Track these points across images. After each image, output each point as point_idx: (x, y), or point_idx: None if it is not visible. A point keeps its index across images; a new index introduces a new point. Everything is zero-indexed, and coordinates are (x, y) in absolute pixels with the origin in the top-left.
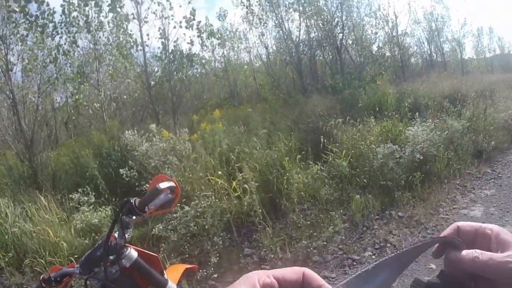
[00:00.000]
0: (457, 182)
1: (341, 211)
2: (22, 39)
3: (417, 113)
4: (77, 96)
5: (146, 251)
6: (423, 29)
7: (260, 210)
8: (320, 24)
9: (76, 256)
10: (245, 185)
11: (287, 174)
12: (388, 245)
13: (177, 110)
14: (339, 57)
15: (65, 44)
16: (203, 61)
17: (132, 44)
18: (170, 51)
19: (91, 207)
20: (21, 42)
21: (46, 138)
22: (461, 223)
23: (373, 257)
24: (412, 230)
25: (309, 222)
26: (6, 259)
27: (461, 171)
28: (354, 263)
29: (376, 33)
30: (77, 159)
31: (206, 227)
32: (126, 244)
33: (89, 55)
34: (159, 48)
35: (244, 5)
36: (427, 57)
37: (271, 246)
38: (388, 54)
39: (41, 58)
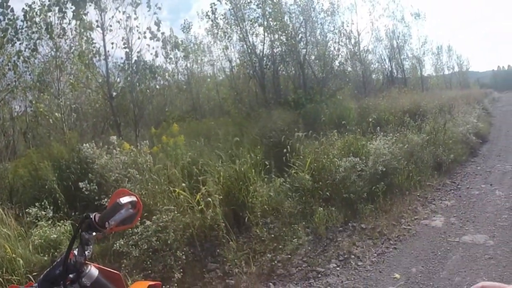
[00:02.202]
0: (418, 194)
1: (304, 223)
2: None
3: (378, 128)
4: (38, 105)
5: (108, 269)
6: (384, 46)
7: (224, 224)
8: (284, 39)
9: (34, 273)
10: (209, 198)
11: (251, 187)
12: (352, 256)
13: (138, 122)
14: (302, 72)
15: (25, 50)
16: (166, 73)
17: (94, 53)
18: (133, 61)
19: (50, 221)
20: None
21: (4, 149)
22: (486, 284)
23: (338, 268)
24: (375, 241)
25: (272, 235)
26: None
27: (421, 183)
28: (319, 275)
29: (338, 49)
30: (35, 171)
31: (169, 242)
32: (86, 262)
33: (50, 63)
34: (122, 58)
35: (209, 18)
36: (388, 73)
37: (235, 260)
38: (350, 69)
39: (0, 64)
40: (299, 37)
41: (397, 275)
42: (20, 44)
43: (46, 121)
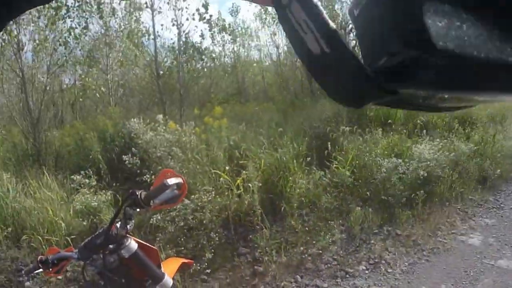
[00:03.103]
0: (458, 207)
1: (340, 221)
2: (34, 20)
3: (425, 131)
4: (86, 79)
5: (146, 244)
6: None
7: (260, 211)
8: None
9: (73, 236)
10: (249, 184)
11: (291, 177)
12: (383, 261)
13: (184, 102)
14: None
15: (76, 28)
16: (213, 55)
17: (143, 32)
18: (181, 42)
19: (92, 190)
20: (33, 23)
21: (52, 118)
22: None
23: (367, 272)
24: (408, 250)
25: (306, 229)
26: (5, 233)
27: (463, 195)
28: (347, 276)
29: None
30: (81, 141)
31: (204, 222)
32: (127, 235)
33: (99, 40)
34: (171, 39)
35: None
36: None
37: (266, 248)
38: None
39: (52, 40)
40: (350, 27)
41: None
42: (71, 21)
43: (94, 95)
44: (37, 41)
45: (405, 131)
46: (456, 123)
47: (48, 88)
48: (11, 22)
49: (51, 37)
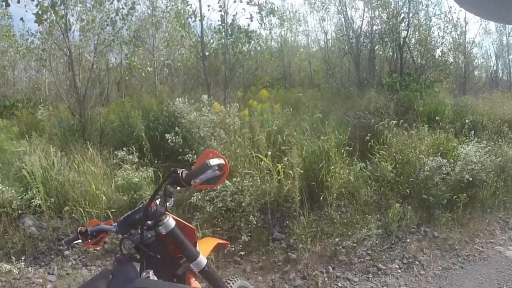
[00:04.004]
0: (500, 215)
1: (378, 216)
2: (82, 0)
3: (472, 132)
4: (132, 58)
5: (184, 222)
6: (492, 41)
7: (299, 198)
8: (385, 18)
9: (113, 210)
10: (290, 170)
11: (332, 167)
12: (417, 262)
13: (228, 84)
14: (400, 55)
15: (123, 8)
16: (260, 38)
17: (190, 13)
18: (228, 24)
19: (134, 166)
20: (80, 3)
21: (98, 95)
22: None
23: (399, 271)
24: (444, 254)
25: (344, 220)
26: (48, 203)
27: (506, 204)
28: (379, 272)
29: (442, 36)
30: (125, 118)
31: (243, 204)
32: (166, 212)
33: (146, 20)
34: (218, 20)
35: None
36: (492, 72)
37: (302, 235)
38: (451, 61)
39: (99, 20)
40: (401, 17)
41: None
42: (118, 2)
43: (139, 74)
44: (84, 21)
45: (452, 129)
46: (506, 127)
47: (94, 66)
48: (58, 3)
49: (98, 17)
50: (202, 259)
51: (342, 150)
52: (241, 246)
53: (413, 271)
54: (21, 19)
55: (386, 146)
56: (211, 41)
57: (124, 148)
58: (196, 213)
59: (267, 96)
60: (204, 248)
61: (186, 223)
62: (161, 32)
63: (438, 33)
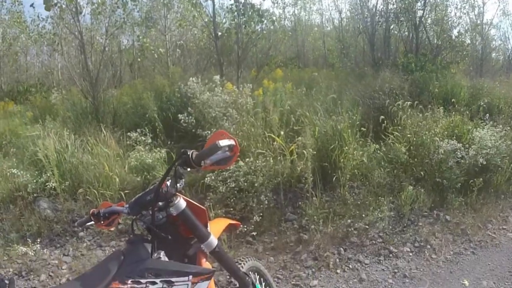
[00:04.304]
0: None
1: (390, 198)
2: None
3: (487, 115)
4: (144, 40)
5: (195, 203)
6: (511, 23)
7: (311, 178)
8: None
9: (126, 191)
10: (303, 150)
11: (346, 147)
12: (428, 246)
13: (241, 64)
14: (416, 35)
15: None
16: (273, 17)
17: None
18: (240, 3)
19: (147, 147)
20: None
21: (111, 78)
22: None
23: (410, 254)
24: (456, 238)
25: (357, 202)
26: (63, 186)
27: None
28: (390, 255)
29: (460, 17)
30: (138, 100)
31: (256, 185)
32: (177, 193)
33: (157, 1)
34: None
35: None
36: (510, 55)
37: (314, 216)
38: (468, 42)
39: (110, 2)
40: None
41: (466, 282)
42: None
43: (152, 55)
44: (95, 4)
45: (467, 112)
46: None
47: (106, 49)
48: None
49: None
50: (213, 240)
51: (356, 131)
52: (253, 226)
53: (424, 255)
54: (32, 5)
55: (400, 128)
56: (224, 20)
57: (137, 130)
58: (209, 193)
59: (281, 75)
60: (215, 228)
61: (197, 204)
62: (173, 12)
63: (455, 13)
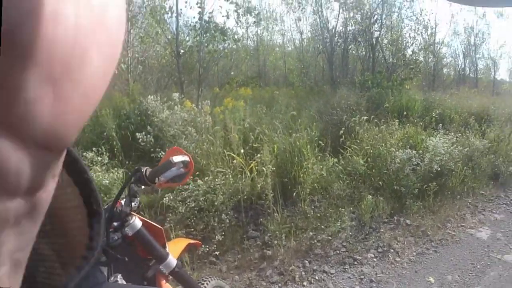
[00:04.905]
0: (469, 201)
1: (351, 209)
2: None
3: (440, 125)
4: None
5: (151, 222)
6: (461, 41)
7: (272, 195)
8: (359, 19)
9: None
10: (262, 168)
11: (305, 163)
12: (391, 250)
13: (202, 82)
14: (373, 54)
15: None
16: (236, 36)
17: (166, 10)
18: (204, 22)
19: (104, 167)
20: None
21: None
22: None
23: (375, 260)
24: (417, 240)
25: (317, 215)
26: None
27: (475, 190)
28: (355, 263)
29: (413, 37)
30: (96, 117)
31: (216, 203)
32: (132, 213)
33: None
34: (194, 17)
35: None
36: (460, 70)
37: (276, 231)
38: (421, 60)
39: None
40: (374, 18)
41: (431, 279)
42: None
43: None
44: None
45: (421, 123)
46: (472, 119)
47: None
48: None
49: None
50: (172, 260)
51: (314, 146)
52: (215, 246)
53: (388, 259)
54: None
55: (358, 141)
56: (187, 38)
57: (94, 149)
58: (169, 214)
59: (246, 94)
60: (174, 248)
61: (154, 223)
62: (137, 27)
63: (410, 33)
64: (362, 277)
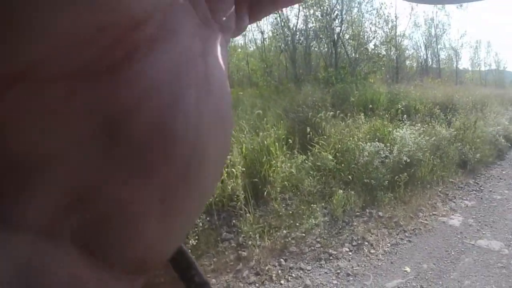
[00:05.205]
0: (439, 189)
1: (323, 204)
2: None
3: (405, 116)
4: None
5: None
6: (422, 33)
7: (243, 196)
8: (319, 15)
9: None
10: (232, 169)
11: (274, 162)
12: (366, 243)
13: None
14: (335, 50)
15: None
16: None
17: None
18: None
19: None
20: None
21: None
22: None
23: (350, 253)
24: (391, 231)
25: (290, 212)
26: None
27: (444, 178)
28: (331, 258)
29: (375, 31)
30: None
31: None
32: None
33: None
34: None
35: None
36: (423, 61)
37: (250, 232)
38: (384, 53)
39: None
40: (335, 14)
41: (407, 269)
42: None
43: None
44: None
45: (387, 116)
46: (437, 109)
47: None
48: None
49: None
50: None
51: (282, 144)
52: (190, 250)
53: (363, 251)
54: None
55: (325, 137)
56: None
57: None
58: None
59: None
60: None
61: None
62: None
63: (371, 28)
64: (338, 271)
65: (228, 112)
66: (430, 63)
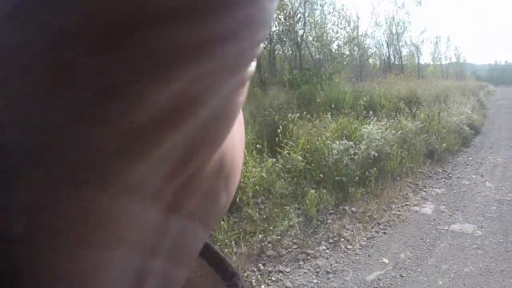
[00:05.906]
0: (409, 180)
1: (296, 205)
2: None
3: (370, 112)
4: None
5: None
6: (383, 31)
7: None
8: (282, 19)
9: None
10: None
11: (244, 166)
12: (342, 239)
13: None
14: (299, 52)
15: None
16: None
17: None
18: None
19: None
20: None
21: None
22: None
23: (327, 251)
24: (365, 225)
25: (263, 216)
26: None
27: (413, 169)
28: (309, 257)
29: (337, 32)
30: None
31: None
32: None
33: None
34: None
35: None
36: (386, 59)
37: (225, 240)
38: (347, 53)
39: None
40: (298, 17)
41: (385, 260)
42: None
43: None
44: None
45: (353, 113)
46: (402, 103)
47: None
48: None
49: None
50: None
51: (251, 149)
52: None
53: (340, 248)
54: None
55: (293, 139)
56: None
57: None
58: None
59: None
60: None
61: None
62: None
63: (333, 29)
64: (317, 270)
65: (241, 146)
66: (393, 60)
